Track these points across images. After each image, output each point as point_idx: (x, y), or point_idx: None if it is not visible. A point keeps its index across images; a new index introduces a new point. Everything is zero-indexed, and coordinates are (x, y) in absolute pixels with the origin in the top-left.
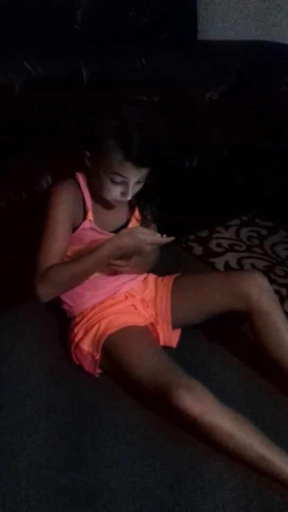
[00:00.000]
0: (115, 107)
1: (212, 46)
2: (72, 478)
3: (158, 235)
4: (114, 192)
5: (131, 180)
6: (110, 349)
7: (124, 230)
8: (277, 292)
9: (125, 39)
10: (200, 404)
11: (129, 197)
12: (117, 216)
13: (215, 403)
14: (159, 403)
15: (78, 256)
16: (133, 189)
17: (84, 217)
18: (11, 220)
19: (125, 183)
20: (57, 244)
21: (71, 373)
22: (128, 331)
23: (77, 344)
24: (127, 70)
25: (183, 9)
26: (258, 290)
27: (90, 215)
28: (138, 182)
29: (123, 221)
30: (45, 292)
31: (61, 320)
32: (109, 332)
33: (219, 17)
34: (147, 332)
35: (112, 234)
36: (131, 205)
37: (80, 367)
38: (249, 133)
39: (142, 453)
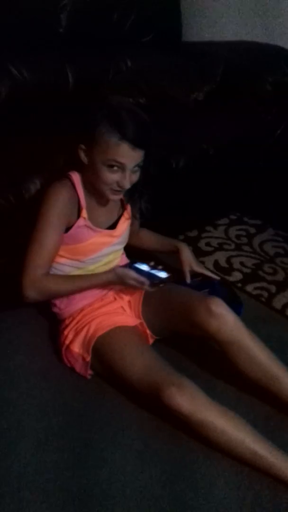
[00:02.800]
0: (104, 99)
1: (197, 47)
2: (66, 479)
3: (147, 283)
4: (111, 181)
5: (128, 166)
6: (101, 350)
7: (118, 271)
8: (266, 289)
9: (110, 42)
10: (191, 401)
11: (126, 185)
12: (110, 213)
13: (206, 400)
14: (150, 402)
15: (74, 276)
16: (129, 178)
17: (78, 215)
18: (0, 224)
19: (121, 170)
20: (49, 247)
21: (63, 375)
22: (118, 331)
23: (68, 347)
24: (112, 73)
25: (167, 11)
26: (216, 323)
27: (84, 213)
28: (133, 171)
29: (114, 218)
30: (32, 297)
31: (53, 323)
32: (99, 333)
33: (203, 18)
34: (136, 332)
35: (105, 231)
36: (123, 203)
37: (72, 369)
38: (235, 133)
39: (135, 452)
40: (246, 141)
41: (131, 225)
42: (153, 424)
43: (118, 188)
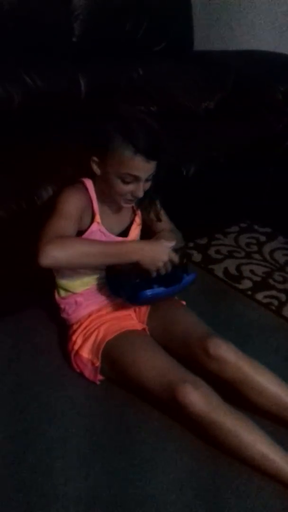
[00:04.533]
0: (113, 110)
1: (208, 56)
2: (76, 484)
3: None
4: (125, 192)
5: (142, 177)
6: (112, 354)
7: (151, 240)
8: (276, 297)
9: (122, 51)
10: (206, 401)
11: (140, 195)
12: (122, 219)
13: (220, 401)
14: (162, 403)
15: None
16: (143, 187)
17: (92, 220)
18: (12, 230)
19: (136, 182)
20: (68, 223)
21: (72, 380)
22: (127, 334)
23: (77, 352)
24: (124, 81)
25: (179, 20)
26: (217, 365)
27: (97, 218)
28: (147, 180)
29: (126, 224)
30: (53, 254)
31: (62, 329)
32: (108, 338)
33: (215, 27)
34: (146, 335)
35: (118, 238)
36: (133, 208)
37: (81, 374)
38: (245, 141)
39: (144, 458)
40: (257, 150)
41: (156, 226)
42: (161, 431)
43: (132, 198)
